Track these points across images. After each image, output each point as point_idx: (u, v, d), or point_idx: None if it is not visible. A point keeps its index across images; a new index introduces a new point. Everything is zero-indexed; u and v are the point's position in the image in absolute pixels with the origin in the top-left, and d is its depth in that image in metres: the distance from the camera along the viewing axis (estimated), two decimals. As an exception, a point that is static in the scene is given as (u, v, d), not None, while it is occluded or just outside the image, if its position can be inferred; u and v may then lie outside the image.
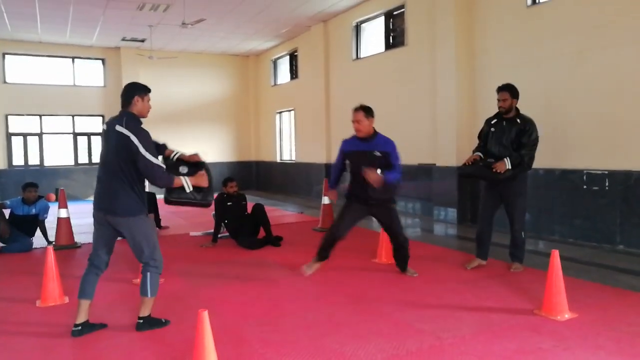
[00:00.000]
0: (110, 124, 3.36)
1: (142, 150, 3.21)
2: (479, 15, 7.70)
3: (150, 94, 3.51)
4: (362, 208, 4.62)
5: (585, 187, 6.07)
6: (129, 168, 3.27)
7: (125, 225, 3.33)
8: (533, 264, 5.05)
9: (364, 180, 4.30)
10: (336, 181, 4.90)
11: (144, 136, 3.27)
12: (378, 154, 4.44)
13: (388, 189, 4.43)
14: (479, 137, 5.01)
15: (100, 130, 3.46)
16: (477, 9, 7.72)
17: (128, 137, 3.22)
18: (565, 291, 3.57)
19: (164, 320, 3.54)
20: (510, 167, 4.55)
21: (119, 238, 3.49)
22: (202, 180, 3.53)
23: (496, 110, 4.85)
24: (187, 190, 3.42)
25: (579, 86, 6.20)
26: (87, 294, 3.42)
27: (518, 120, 4.67)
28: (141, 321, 3.45)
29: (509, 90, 4.70)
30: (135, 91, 3.41)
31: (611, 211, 5.81)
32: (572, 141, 6.27)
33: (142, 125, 3.37)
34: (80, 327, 3.38)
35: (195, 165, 3.68)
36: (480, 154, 4.83)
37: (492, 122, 4.84)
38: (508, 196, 4.76)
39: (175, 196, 3.47)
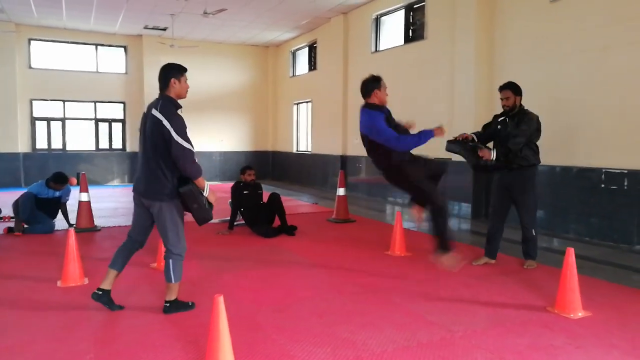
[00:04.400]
0: (149, 108, 3.44)
1: (174, 134, 3.25)
2: (500, 9, 7.60)
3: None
4: None
5: (603, 185, 6.00)
6: (162, 153, 3.32)
7: (154, 208, 3.43)
8: (547, 262, 5.01)
9: None
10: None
11: (177, 121, 3.31)
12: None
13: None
14: (484, 127, 4.99)
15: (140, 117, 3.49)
16: (498, 4, 7.62)
17: (161, 121, 3.27)
18: (579, 289, 3.55)
19: (190, 304, 3.63)
20: (494, 158, 4.55)
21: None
22: (214, 198, 3.54)
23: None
24: (204, 194, 3.45)
25: (600, 83, 6.09)
26: (116, 265, 3.57)
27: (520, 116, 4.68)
28: (168, 304, 3.54)
29: (511, 88, 4.69)
30: (170, 73, 3.44)
31: (629, 211, 5.72)
32: (591, 139, 6.18)
33: (179, 110, 3.41)
34: (100, 292, 3.53)
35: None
36: (474, 135, 4.79)
37: (499, 120, 4.82)
38: (516, 193, 4.73)
39: (190, 191, 3.48)
